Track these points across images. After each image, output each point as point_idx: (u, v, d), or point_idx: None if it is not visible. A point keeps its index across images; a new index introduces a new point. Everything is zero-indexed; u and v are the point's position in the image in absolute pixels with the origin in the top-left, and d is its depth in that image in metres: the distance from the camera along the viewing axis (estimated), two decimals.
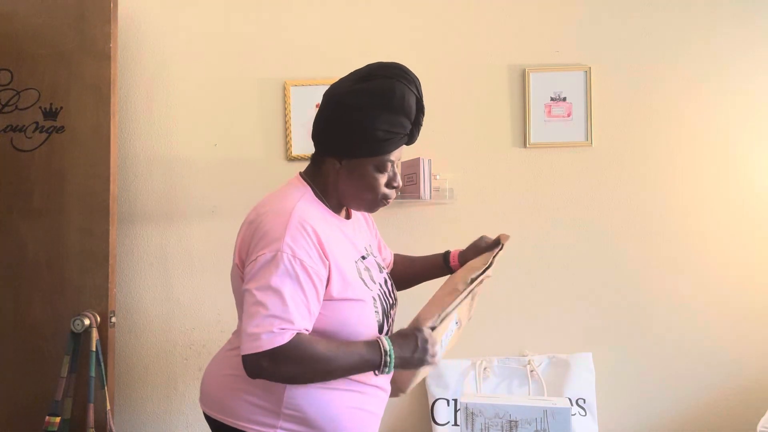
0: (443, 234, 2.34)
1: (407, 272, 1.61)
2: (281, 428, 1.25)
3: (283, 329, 1.15)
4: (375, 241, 1.56)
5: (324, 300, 1.24)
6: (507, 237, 1.53)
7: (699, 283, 2.33)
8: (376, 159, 1.28)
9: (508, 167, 2.36)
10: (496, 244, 1.52)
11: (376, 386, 1.34)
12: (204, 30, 2.37)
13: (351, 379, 1.28)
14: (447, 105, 2.36)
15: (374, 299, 1.31)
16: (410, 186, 2.23)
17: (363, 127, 1.25)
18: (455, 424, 2.21)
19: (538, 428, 1.50)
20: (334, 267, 1.24)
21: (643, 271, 2.33)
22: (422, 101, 1.31)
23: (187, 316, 2.35)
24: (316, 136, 1.34)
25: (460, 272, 1.48)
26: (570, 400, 2.18)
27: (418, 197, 2.19)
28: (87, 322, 2.02)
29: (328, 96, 1.32)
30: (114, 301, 2.13)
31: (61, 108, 2.16)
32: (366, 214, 1.57)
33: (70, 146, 2.15)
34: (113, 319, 2.12)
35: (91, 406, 1.98)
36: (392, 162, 1.31)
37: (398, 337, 1.26)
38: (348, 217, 1.43)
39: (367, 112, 1.25)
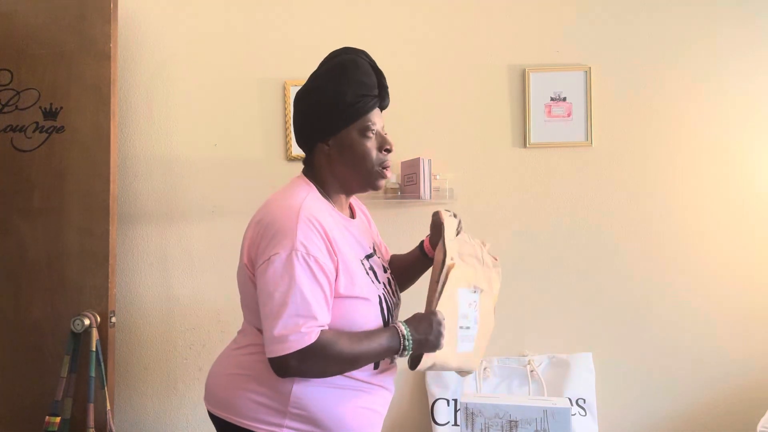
0: None
1: (396, 270, 1.59)
2: (287, 427, 1.25)
3: (310, 328, 1.17)
4: (377, 241, 1.57)
5: (334, 296, 1.25)
6: (441, 212, 1.44)
7: (699, 283, 2.33)
8: (357, 124, 1.31)
9: (508, 167, 2.36)
10: (440, 228, 1.44)
11: (381, 386, 1.35)
12: (204, 30, 2.37)
13: (356, 378, 1.29)
14: (447, 105, 2.36)
15: (379, 298, 1.32)
16: (410, 186, 2.23)
17: (331, 100, 1.31)
18: (455, 424, 2.21)
19: (538, 428, 1.50)
20: (342, 263, 1.26)
21: (643, 270, 2.33)
22: (376, 65, 1.37)
23: (187, 316, 2.35)
24: (298, 134, 1.38)
25: (432, 271, 1.45)
26: (570, 400, 2.18)
27: (418, 197, 2.19)
28: (87, 322, 2.02)
29: (295, 98, 1.39)
30: (114, 301, 2.13)
31: (61, 108, 2.16)
32: (368, 214, 1.57)
33: (70, 146, 2.15)
34: (113, 319, 2.12)
35: (91, 406, 1.98)
36: (374, 124, 1.33)
37: (413, 321, 1.30)
38: (353, 216, 1.44)
39: (330, 88, 1.31)
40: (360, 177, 1.35)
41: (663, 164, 2.34)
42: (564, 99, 2.34)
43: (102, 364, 2.03)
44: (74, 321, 2.00)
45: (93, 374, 1.99)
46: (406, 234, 2.33)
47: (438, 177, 2.29)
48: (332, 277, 1.24)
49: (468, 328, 1.40)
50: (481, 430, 1.54)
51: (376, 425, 1.36)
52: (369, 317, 1.29)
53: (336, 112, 1.31)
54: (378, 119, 1.35)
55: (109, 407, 2.03)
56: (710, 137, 2.34)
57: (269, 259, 1.20)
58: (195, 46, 2.37)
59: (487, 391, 2.24)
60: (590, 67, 2.34)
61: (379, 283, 1.36)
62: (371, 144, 1.33)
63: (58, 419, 1.98)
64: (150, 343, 2.35)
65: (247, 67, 2.36)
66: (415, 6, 2.37)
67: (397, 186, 2.27)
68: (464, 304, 1.38)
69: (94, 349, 2.00)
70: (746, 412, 2.25)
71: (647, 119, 2.34)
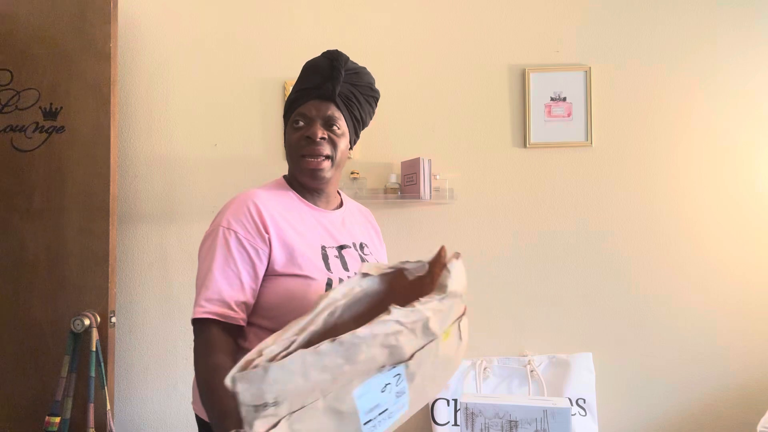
0: (443, 234, 2.35)
1: None
2: None
3: (208, 300, 1.19)
4: (384, 257, 1.52)
5: (268, 274, 1.25)
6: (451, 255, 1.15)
7: (699, 283, 2.33)
8: (291, 119, 1.36)
9: (508, 167, 2.36)
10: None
11: None
12: (204, 30, 2.37)
13: None
14: (447, 105, 2.36)
15: (333, 280, 1.27)
16: (410, 186, 2.23)
17: (286, 100, 1.39)
18: (455, 424, 2.21)
19: (538, 428, 1.50)
20: (278, 241, 1.26)
21: (643, 270, 2.33)
22: (338, 62, 1.33)
23: (187, 316, 2.33)
24: None
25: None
26: (570, 400, 2.18)
27: (418, 197, 2.19)
28: (87, 322, 2.02)
29: None
30: (114, 301, 2.13)
31: (61, 108, 2.16)
32: (370, 220, 1.55)
33: (70, 146, 2.15)
34: (113, 319, 2.12)
35: (91, 406, 1.98)
36: (302, 115, 1.33)
37: None
38: (337, 208, 1.43)
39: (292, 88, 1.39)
40: (295, 168, 1.36)
41: (663, 164, 2.34)
42: (564, 99, 2.34)
43: (102, 364, 2.03)
44: (74, 321, 2.01)
45: (93, 374, 1.99)
46: (405, 234, 2.33)
47: (438, 177, 2.29)
48: (255, 254, 1.23)
49: (384, 412, 1.02)
50: (481, 430, 1.54)
51: None
52: (308, 296, 1.24)
53: (284, 113, 1.39)
54: (313, 110, 1.32)
55: (109, 407, 2.03)
56: (710, 137, 2.34)
57: (204, 234, 1.30)
58: (195, 46, 2.37)
59: (487, 391, 2.24)
60: (590, 67, 2.34)
61: (347, 271, 1.32)
62: (299, 134, 1.33)
63: (58, 419, 1.98)
64: (150, 343, 2.35)
65: (247, 67, 2.36)
66: (415, 6, 2.37)
67: (397, 186, 2.27)
68: (372, 396, 0.99)
69: (94, 349, 2.00)
70: (746, 412, 2.25)
71: (647, 119, 2.34)
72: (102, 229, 2.12)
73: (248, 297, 1.23)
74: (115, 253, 2.14)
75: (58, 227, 2.14)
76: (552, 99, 2.34)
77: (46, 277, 2.13)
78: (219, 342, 1.18)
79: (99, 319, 2.06)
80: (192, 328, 1.22)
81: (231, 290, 1.20)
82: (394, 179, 2.28)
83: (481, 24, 2.37)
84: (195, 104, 2.36)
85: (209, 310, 1.18)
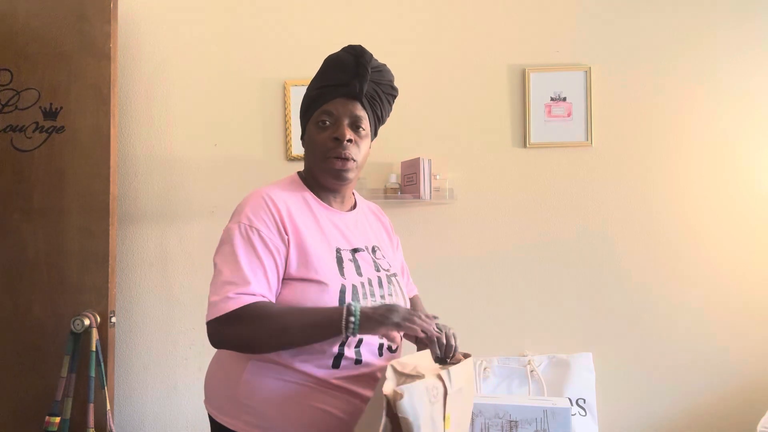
0: (443, 234, 2.35)
1: None
2: (243, 421, 1.21)
3: (238, 294, 1.16)
4: (395, 259, 1.50)
5: (284, 278, 1.23)
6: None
7: (699, 283, 2.33)
8: (314, 117, 1.32)
9: (508, 167, 2.36)
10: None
11: (344, 388, 1.24)
12: (204, 30, 2.37)
13: (310, 374, 1.21)
14: (447, 105, 2.36)
15: (343, 286, 1.25)
16: (410, 186, 2.23)
17: (303, 99, 1.36)
18: None
19: (538, 428, 1.50)
20: (295, 244, 1.24)
21: (643, 270, 2.33)
22: (364, 59, 1.30)
23: (187, 316, 2.35)
24: None
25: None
26: (570, 400, 2.18)
27: (418, 197, 2.19)
28: (87, 322, 2.02)
29: None
30: (114, 301, 2.13)
31: (61, 108, 2.16)
32: (385, 223, 1.53)
33: (70, 146, 2.15)
34: (113, 319, 2.12)
35: (91, 406, 1.98)
36: (329, 114, 1.30)
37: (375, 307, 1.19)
38: (351, 209, 1.42)
39: (311, 83, 1.36)
40: (317, 169, 1.32)
41: (663, 164, 2.34)
42: (564, 99, 2.34)
43: (102, 364, 2.03)
44: (74, 321, 2.00)
45: (93, 374, 1.99)
46: (405, 234, 2.33)
47: (438, 177, 2.29)
48: (277, 253, 1.22)
49: None
50: (481, 430, 1.53)
51: (332, 428, 1.22)
52: (321, 302, 1.21)
53: (303, 109, 1.35)
54: (340, 108, 1.29)
55: (109, 407, 2.03)
56: (710, 137, 2.34)
57: (222, 232, 1.26)
58: (195, 46, 2.37)
59: (487, 391, 2.24)
60: (590, 67, 2.34)
61: (360, 276, 1.29)
62: (326, 134, 1.30)
63: (58, 419, 1.98)
64: (150, 343, 2.35)
65: (247, 67, 2.36)
66: (415, 6, 2.37)
67: (397, 186, 2.27)
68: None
69: (94, 349, 2.00)
70: (746, 412, 2.25)
71: (647, 119, 2.34)
72: (102, 229, 2.12)
73: (274, 296, 1.21)
74: (115, 253, 2.14)
75: (58, 227, 2.13)
76: (552, 99, 2.34)
77: (46, 277, 2.13)
78: (265, 303, 1.17)
79: (99, 319, 2.06)
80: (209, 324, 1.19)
81: (258, 286, 1.18)
82: (394, 179, 2.28)
83: (481, 24, 2.37)
84: (195, 104, 2.37)
85: (245, 300, 1.15)
